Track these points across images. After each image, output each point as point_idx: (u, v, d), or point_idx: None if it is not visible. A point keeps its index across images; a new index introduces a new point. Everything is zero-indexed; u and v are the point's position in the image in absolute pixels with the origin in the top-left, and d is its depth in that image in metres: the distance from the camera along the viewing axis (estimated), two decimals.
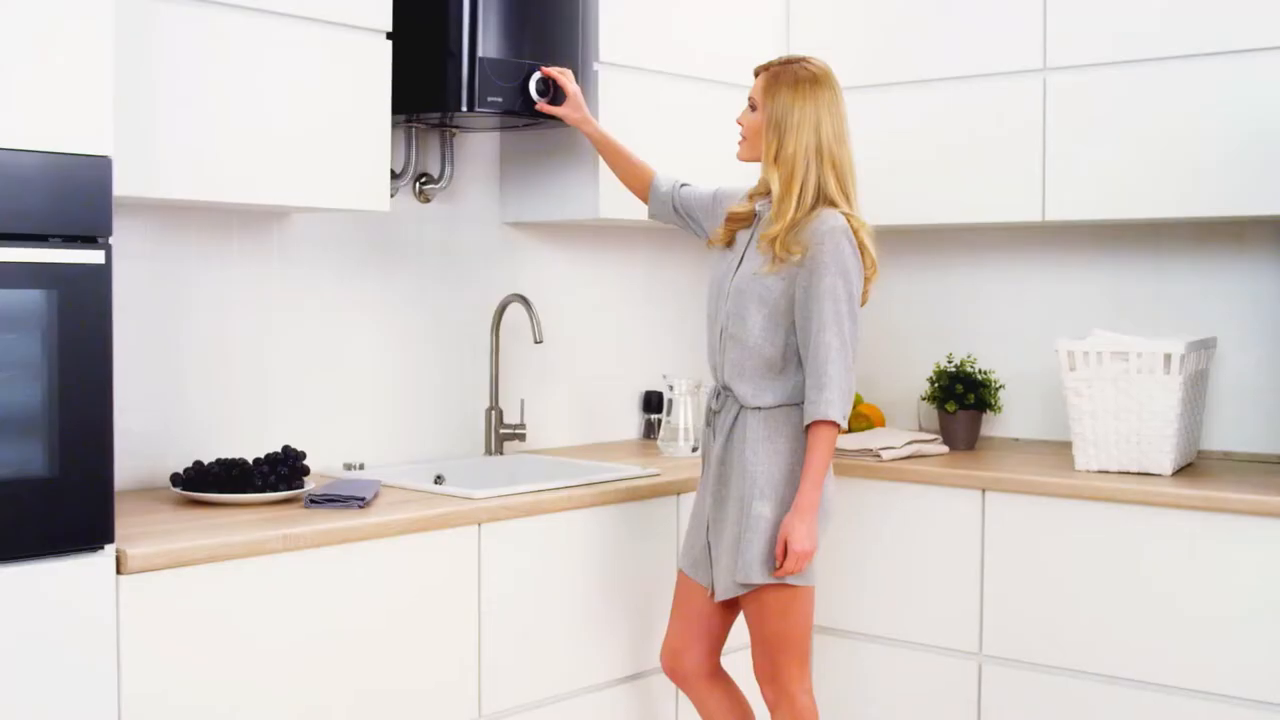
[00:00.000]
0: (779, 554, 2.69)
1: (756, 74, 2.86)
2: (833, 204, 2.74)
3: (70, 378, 2.20)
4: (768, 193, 2.80)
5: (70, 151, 2.20)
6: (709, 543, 2.85)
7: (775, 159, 2.76)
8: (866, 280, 2.76)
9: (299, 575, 2.53)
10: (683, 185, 3.10)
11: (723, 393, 2.84)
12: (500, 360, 3.52)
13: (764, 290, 2.74)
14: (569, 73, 3.17)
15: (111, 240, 2.24)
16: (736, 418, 2.80)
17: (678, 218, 3.10)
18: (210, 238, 3.01)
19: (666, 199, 3.10)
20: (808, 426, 2.70)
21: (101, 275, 2.22)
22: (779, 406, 2.76)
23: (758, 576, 2.72)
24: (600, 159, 3.25)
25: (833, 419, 2.67)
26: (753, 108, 2.84)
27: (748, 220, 2.85)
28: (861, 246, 2.73)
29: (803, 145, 2.73)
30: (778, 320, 2.74)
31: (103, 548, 2.26)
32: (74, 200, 2.20)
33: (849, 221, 2.72)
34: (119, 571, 2.28)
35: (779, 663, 2.80)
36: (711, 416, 2.88)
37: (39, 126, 2.17)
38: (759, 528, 2.73)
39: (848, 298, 2.68)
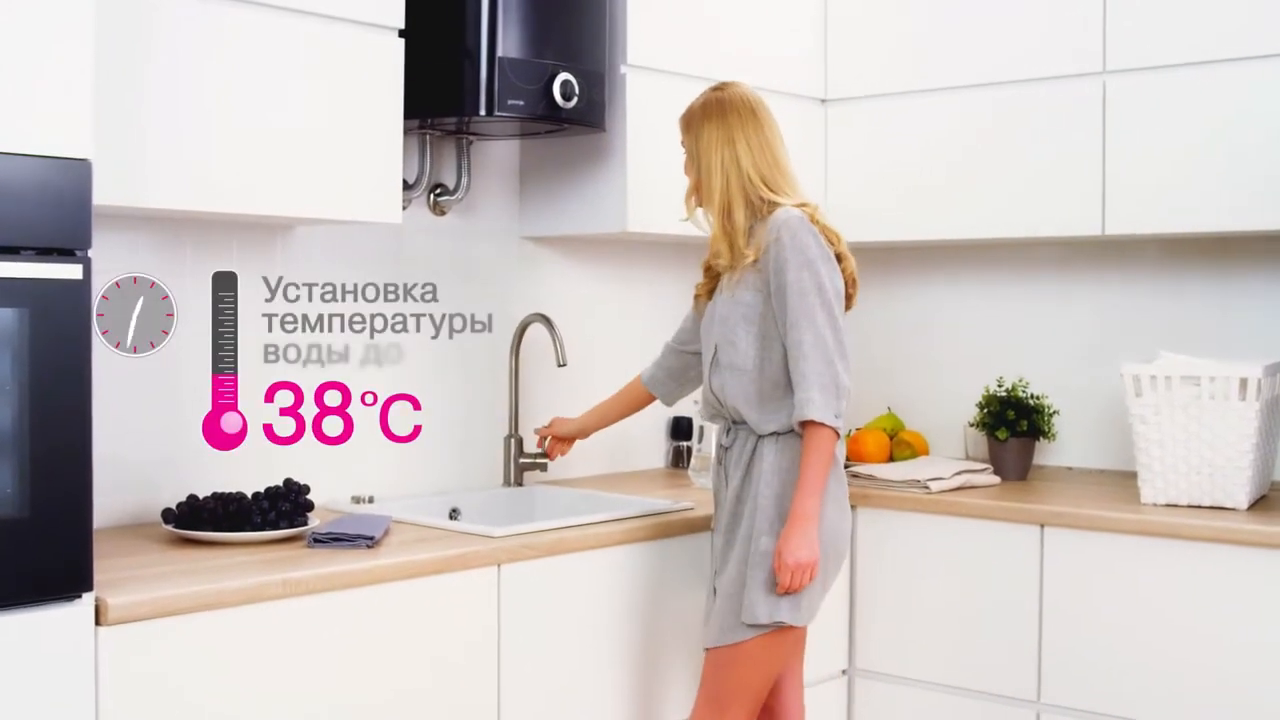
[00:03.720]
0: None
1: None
2: (776, 205, 2.65)
3: (44, 406, 2.04)
4: None
5: (44, 154, 2.04)
6: (714, 588, 2.73)
7: (697, 186, 2.72)
8: (844, 259, 2.66)
9: (300, 624, 2.39)
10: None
11: (734, 427, 2.72)
12: (520, 384, 3.41)
13: (746, 309, 2.65)
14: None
15: (91, 253, 2.10)
16: (755, 449, 2.67)
17: (693, 356, 2.96)
18: (206, 252, 2.89)
19: (669, 355, 3.02)
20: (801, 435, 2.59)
21: (79, 292, 2.07)
22: (791, 431, 2.63)
23: (764, 615, 2.58)
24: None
25: (812, 418, 2.52)
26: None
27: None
28: (825, 231, 2.63)
29: (718, 162, 2.68)
30: (770, 334, 2.63)
31: (80, 596, 2.10)
32: (48, 208, 2.05)
33: (804, 209, 2.63)
34: (98, 623, 2.13)
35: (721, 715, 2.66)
36: (723, 454, 2.76)
37: (7, 125, 2.01)
38: (765, 564, 2.59)
39: (816, 289, 2.56)
